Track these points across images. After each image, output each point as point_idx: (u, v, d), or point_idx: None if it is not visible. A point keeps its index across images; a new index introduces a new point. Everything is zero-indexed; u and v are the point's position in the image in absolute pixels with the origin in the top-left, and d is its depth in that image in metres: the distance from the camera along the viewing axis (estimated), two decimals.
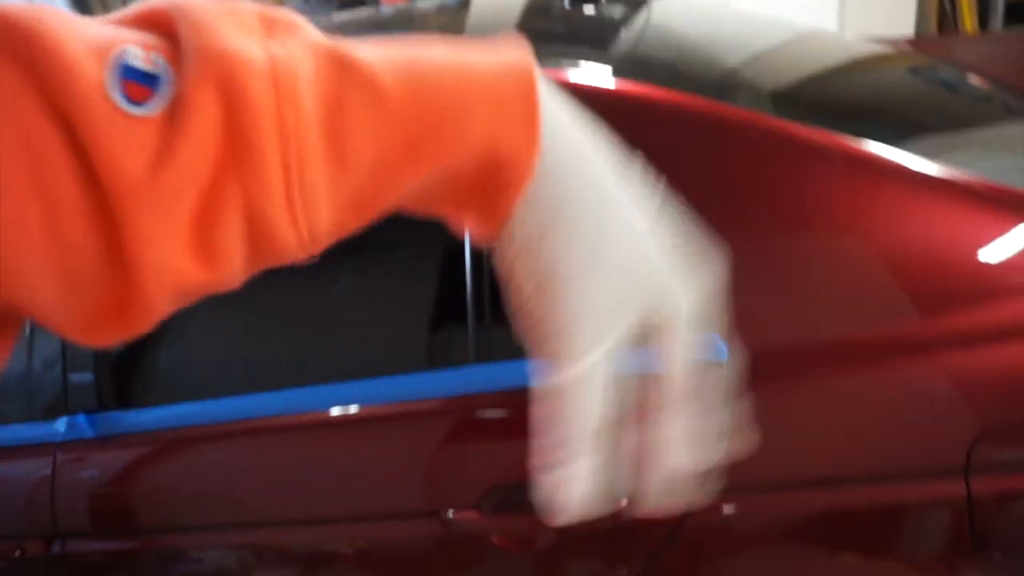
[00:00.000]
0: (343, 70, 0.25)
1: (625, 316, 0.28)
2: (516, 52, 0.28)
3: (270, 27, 0.25)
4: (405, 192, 0.27)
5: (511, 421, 0.99)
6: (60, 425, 1.20)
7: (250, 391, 1.13)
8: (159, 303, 0.24)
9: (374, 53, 0.26)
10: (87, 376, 1.20)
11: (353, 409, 1.08)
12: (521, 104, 0.27)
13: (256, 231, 0.24)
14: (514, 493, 0.98)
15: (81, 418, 1.19)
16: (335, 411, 1.08)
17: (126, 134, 0.22)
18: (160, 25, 0.24)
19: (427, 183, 0.27)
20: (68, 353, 1.20)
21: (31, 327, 1.14)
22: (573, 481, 0.28)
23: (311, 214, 0.24)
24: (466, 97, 0.26)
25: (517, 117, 0.27)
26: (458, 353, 1.07)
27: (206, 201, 0.23)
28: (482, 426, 1.05)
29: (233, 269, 0.25)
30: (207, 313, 1.25)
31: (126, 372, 1.23)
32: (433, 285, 1.16)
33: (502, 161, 0.27)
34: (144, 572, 1.21)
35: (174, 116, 0.23)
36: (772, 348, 0.83)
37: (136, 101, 0.22)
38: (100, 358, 1.20)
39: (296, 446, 1.11)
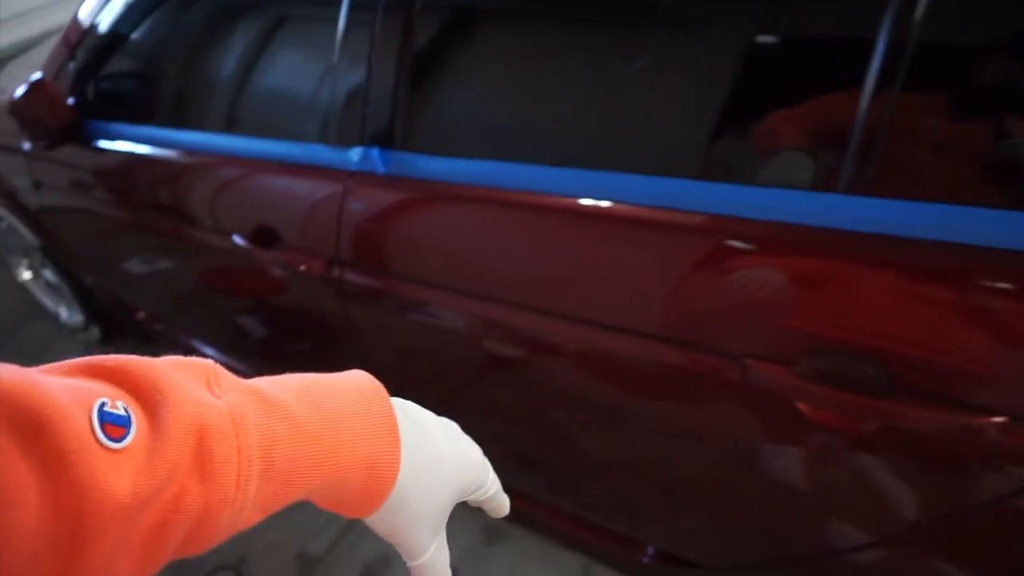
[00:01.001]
0: (269, 407, 0.36)
1: (449, 509, 0.47)
2: (369, 382, 0.43)
3: (211, 378, 0.37)
4: (308, 491, 0.38)
5: (858, 269, 0.75)
6: (354, 154, 1.18)
7: (532, 162, 1.00)
8: None
9: (283, 389, 0.39)
10: (384, 114, 1.14)
11: (635, 207, 0.91)
12: (385, 426, 0.41)
13: (199, 527, 0.33)
14: (841, 359, 0.77)
15: (375, 152, 1.15)
16: (612, 204, 0.93)
17: (113, 463, 0.29)
18: (114, 376, 0.33)
19: (324, 484, 0.39)
20: (371, 88, 1.14)
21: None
22: None
23: (242, 513, 0.35)
24: (352, 422, 0.39)
25: (385, 437, 0.41)
26: (795, 172, 0.82)
27: (169, 508, 0.32)
28: (814, 267, 0.81)
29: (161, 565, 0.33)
30: (511, 74, 1.15)
31: (421, 116, 1.15)
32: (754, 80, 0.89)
33: (377, 470, 0.40)
34: (387, 313, 1.22)
35: (153, 445, 0.31)
36: None
37: (115, 438, 0.30)
38: (400, 97, 1.12)
39: (567, 231, 0.98)
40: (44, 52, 2.25)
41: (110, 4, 1.68)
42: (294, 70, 1.46)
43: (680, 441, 1.00)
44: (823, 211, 0.78)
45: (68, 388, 0.30)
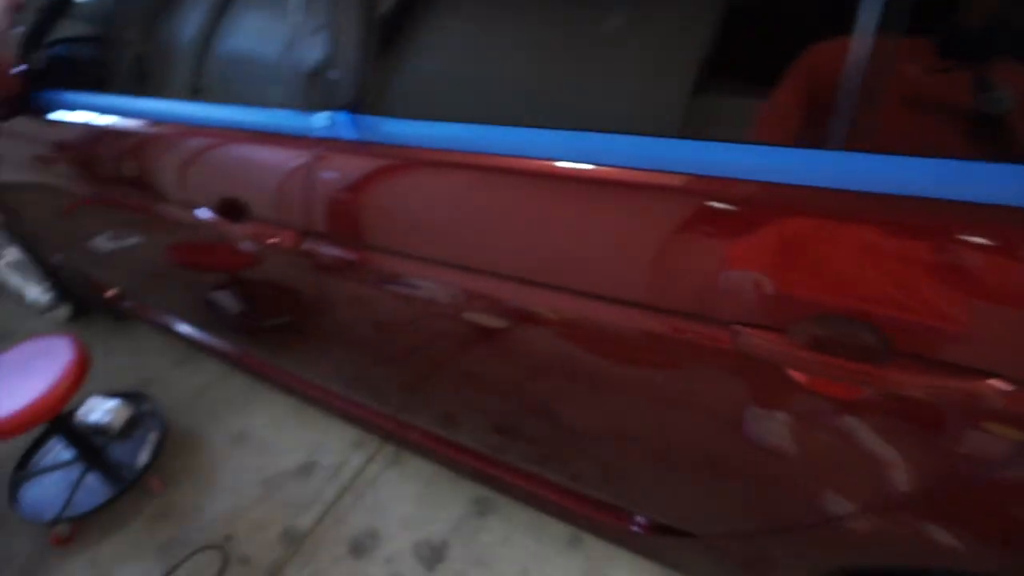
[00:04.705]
0: None
1: None
2: None
3: None
4: None
5: (848, 229, 0.72)
6: (321, 119, 1.11)
7: (507, 124, 0.96)
8: None
9: None
10: (351, 76, 1.08)
11: (614, 168, 0.86)
12: None
13: None
14: (841, 325, 0.74)
15: (343, 116, 1.09)
16: (583, 166, 0.88)
17: None
18: None
19: None
20: (337, 49, 1.07)
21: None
22: None
23: None
24: None
25: None
26: (778, 130, 0.78)
27: None
28: (804, 228, 0.77)
29: None
30: (483, 32, 1.09)
31: (390, 78, 1.08)
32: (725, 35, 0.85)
33: None
34: (362, 285, 1.18)
35: None
36: None
37: None
38: (366, 60, 1.06)
39: (536, 195, 0.93)
40: None
41: None
42: (258, 32, 1.38)
43: (668, 410, 0.97)
44: (812, 169, 0.74)
45: None
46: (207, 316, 1.81)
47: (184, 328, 1.95)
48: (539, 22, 0.99)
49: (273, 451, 2.00)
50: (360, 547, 1.71)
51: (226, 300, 1.67)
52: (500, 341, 1.08)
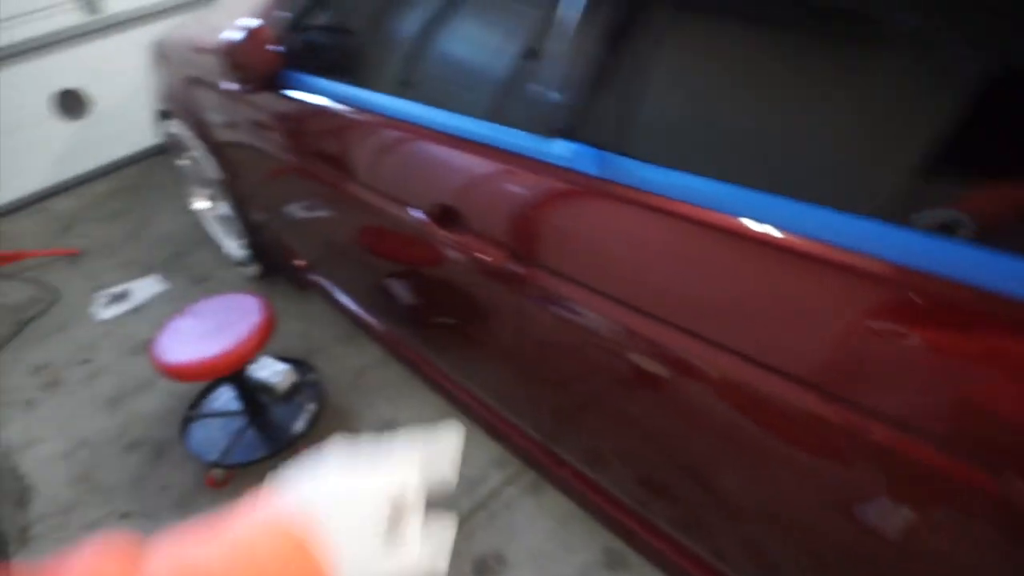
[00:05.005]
0: None
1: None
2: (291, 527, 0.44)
3: None
4: None
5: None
6: (563, 149, 1.09)
7: (749, 185, 0.90)
8: None
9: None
10: (605, 111, 1.05)
11: (824, 245, 0.81)
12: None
13: None
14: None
15: (588, 150, 1.06)
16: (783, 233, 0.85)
17: None
18: None
19: None
20: (592, 80, 1.05)
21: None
22: None
23: None
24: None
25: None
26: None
27: None
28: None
29: None
30: (754, 84, 1.03)
31: (648, 119, 1.04)
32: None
33: None
34: (561, 319, 1.14)
35: None
36: None
37: None
38: (624, 96, 1.03)
39: (749, 258, 0.89)
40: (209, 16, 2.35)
41: None
42: (500, 44, 1.39)
43: (818, 496, 0.89)
44: None
45: None
46: (380, 300, 1.87)
47: (355, 307, 2.03)
48: (783, 80, 0.94)
49: None
50: (484, 567, 1.69)
51: (403, 290, 1.71)
52: (665, 391, 1.03)
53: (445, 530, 0.51)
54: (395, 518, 0.48)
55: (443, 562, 0.50)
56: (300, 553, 0.43)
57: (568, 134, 1.09)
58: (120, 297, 2.89)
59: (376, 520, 0.46)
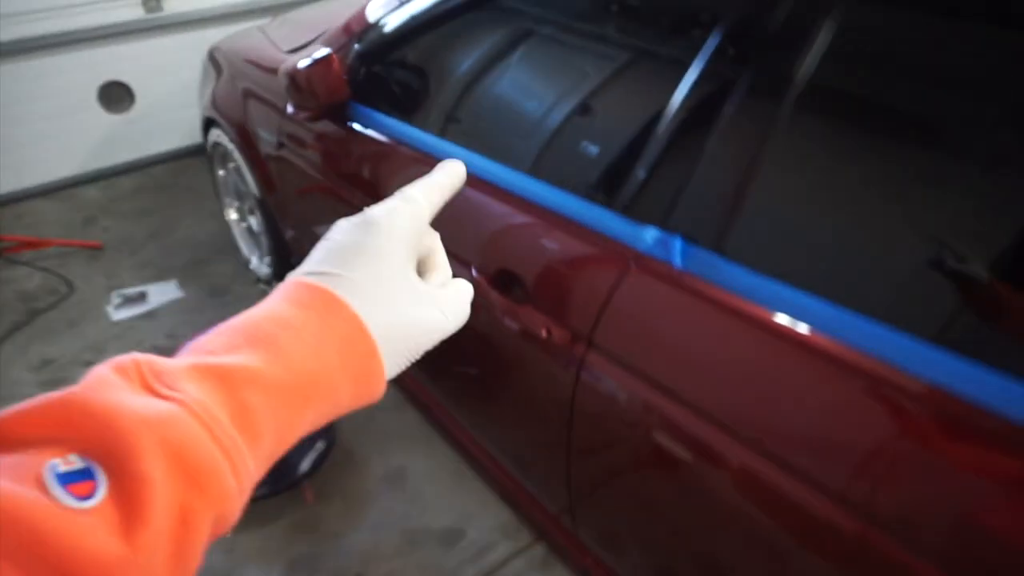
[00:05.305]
0: (227, 380, 0.33)
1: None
2: (349, 320, 0.38)
3: (147, 375, 0.32)
4: (304, 431, 0.37)
5: None
6: (649, 235, 1.03)
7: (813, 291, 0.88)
8: None
9: (231, 346, 0.35)
10: (702, 204, 1.00)
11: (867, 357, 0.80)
12: (367, 364, 0.38)
13: (218, 523, 0.31)
14: None
15: (676, 241, 1.00)
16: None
17: (91, 526, 0.26)
18: (52, 429, 0.28)
19: (317, 417, 0.37)
20: (695, 172, 1.00)
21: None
22: None
23: (246, 481, 0.32)
24: (330, 373, 0.36)
25: (369, 376, 0.38)
26: None
27: (180, 533, 0.29)
28: None
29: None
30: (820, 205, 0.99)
31: (747, 219, 0.98)
32: None
33: (364, 381, 0.38)
34: (617, 414, 1.07)
35: (132, 487, 0.27)
36: None
37: (84, 496, 0.26)
38: (727, 194, 0.98)
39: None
40: (282, 28, 2.35)
41: (401, 9, 1.69)
42: (597, 121, 1.35)
43: None
44: None
45: (3, 471, 0.27)
46: None
47: None
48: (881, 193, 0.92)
49: (423, 504, 1.93)
50: None
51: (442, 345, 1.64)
52: (713, 500, 0.98)
53: (464, 285, 0.49)
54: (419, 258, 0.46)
55: (464, 315, 0.47)
56: (324, 298, 0.38)
57: (662, 222, 1.04)
58: (135, 299, 2.83)
59: (403, 260, 0.43)
